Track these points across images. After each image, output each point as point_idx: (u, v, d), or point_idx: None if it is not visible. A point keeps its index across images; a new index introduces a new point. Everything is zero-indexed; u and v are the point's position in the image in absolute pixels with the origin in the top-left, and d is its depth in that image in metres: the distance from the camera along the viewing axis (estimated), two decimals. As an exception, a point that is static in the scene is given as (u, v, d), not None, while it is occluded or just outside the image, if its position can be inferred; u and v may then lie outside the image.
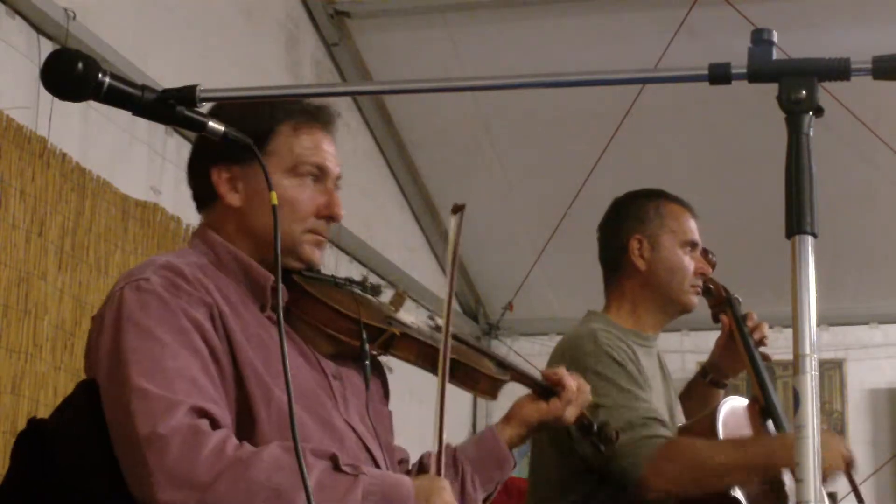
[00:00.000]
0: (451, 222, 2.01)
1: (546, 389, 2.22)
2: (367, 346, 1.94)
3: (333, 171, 1.97)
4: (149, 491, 1.61)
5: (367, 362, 1.97)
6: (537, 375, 2.24)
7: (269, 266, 1.90)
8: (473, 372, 2.08)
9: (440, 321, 2.10)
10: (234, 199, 1.92)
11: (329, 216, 1.96)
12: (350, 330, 1.94)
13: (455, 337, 2.11)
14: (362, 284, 2.05)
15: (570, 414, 2.22)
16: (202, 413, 1.67)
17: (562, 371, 2.23)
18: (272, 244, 1.84)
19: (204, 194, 1.97)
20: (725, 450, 2.64)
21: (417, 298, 5.28)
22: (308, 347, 1.93)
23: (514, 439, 2.18)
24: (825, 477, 2.64)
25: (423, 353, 1.99)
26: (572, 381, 2.21)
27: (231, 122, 1.80)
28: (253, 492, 1.61)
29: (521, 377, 2.21)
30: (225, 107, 1.89)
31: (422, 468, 2.08)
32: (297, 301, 1.94)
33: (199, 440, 1.62)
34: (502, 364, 2.17)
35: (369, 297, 2.05)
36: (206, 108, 1.53)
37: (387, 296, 2.10)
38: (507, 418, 2.20)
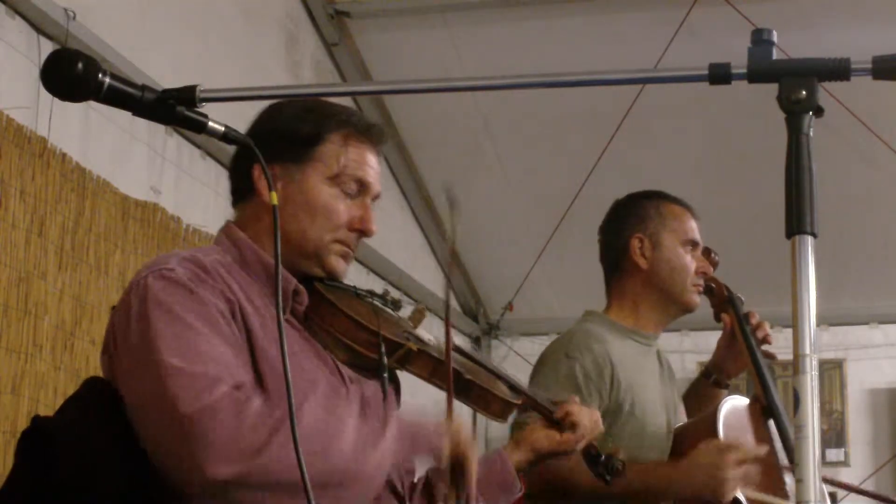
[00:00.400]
0: (451, 215, 1.99)
1: (559, 420, 2.18)
2: (385, 360, 1.94)
3: (375, 188, 1.98)
4: (197, 468, 1.59)
5: (385, 374, 1.97)
6: (546, 400, 2.21)
7: (294, 270, 1.91)
8: (486, 393, 2.08)
9: (457, 340, 2.10)
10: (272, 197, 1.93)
11: (361, 230, 1.96)
12: (368, 342, 1.93)
13: (471, 358, 2.11)
14: (383, 297, 2.05)
15: (580, 445, 2.19)
16: (240, 386, 1.67)
17: (575, 408, 2.18)
18: (302, 248, 1.89)
19: (242, 189, 1.97)
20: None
21: (418, 298, 5.27)
22: (327, 354, 1.94)
23: (522, 464, 2.16)
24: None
25: (438, 371, 1.98)
26: (586, 419, 2.16)
27: (284, 123, 1.87)
28: (307, 445, 1.60)
29: (534, 404, 2.18)
30: (283, 108, 1.93)
31: (427, 482, 2.09)
32: (316, 309, 1.94)
33: (243, 408, 1.62)
34: (515, 388, 2.15)
35: (389, 310, 2.04)
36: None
37: (407, 311, 2.09)
38: (517, 443, 2.18)
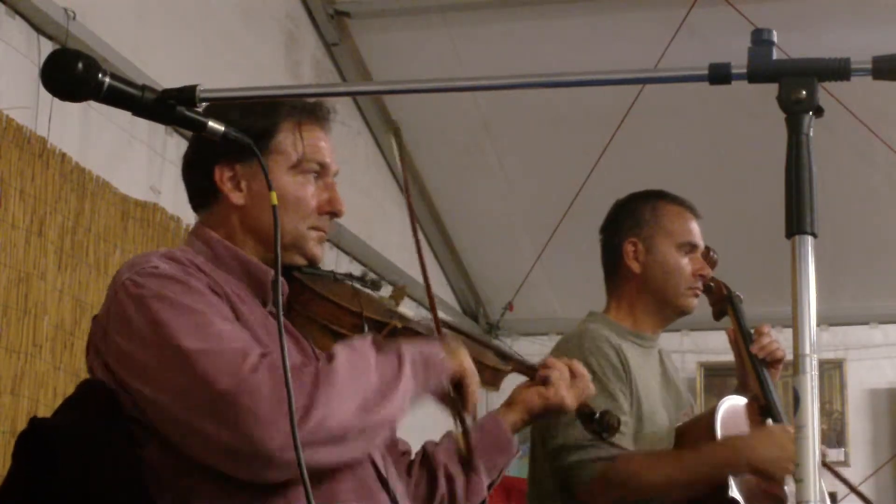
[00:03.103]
0: (392, 143, 2.03)
1: (544, 378, 2.23)
2: None
3: (333, 166, 1.99)
4: (248, 441, 1.58)
5: None
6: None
7: (271, 263, 1.90)
8: (477, 363, 2.09)
9: (441, 314, 2.12)
10: (237, 197, 1.92)
11: (331, 212, 1.97)
12: (352, 324, 1.95)
13: (457, 330, 2.14)
14: (362, 279, 2.06)
15: (571, 401, 2.22)
16: (265, 355, 1.66)
17: (551, 360, 2.25)
18: (280, 241, 1.87)
19: (204, 193, 1.96)
20: (663, 466, 2.64)
21: (418, 299, 5.27)
22: (308, 342, 1.94)
23: (516, 424, 2.19)
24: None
25: None
26: (562, 364, 2.23)
27: (234, 120, 1.82)
28: (347, 397, 1.66)
29: (522, 367, 2.23)
30: (227, 105, 1.90)
31: (425, 456, 2.11)
32: (298, 297, 1.94)
33: (279, 374, 1.60)
34: (503, 355, 2.19)
35: (369, 291, 2.05)
36: (201, 106, 1.53)
37: (387, 291, 2.11)
38: (509, 403, 2.22)
